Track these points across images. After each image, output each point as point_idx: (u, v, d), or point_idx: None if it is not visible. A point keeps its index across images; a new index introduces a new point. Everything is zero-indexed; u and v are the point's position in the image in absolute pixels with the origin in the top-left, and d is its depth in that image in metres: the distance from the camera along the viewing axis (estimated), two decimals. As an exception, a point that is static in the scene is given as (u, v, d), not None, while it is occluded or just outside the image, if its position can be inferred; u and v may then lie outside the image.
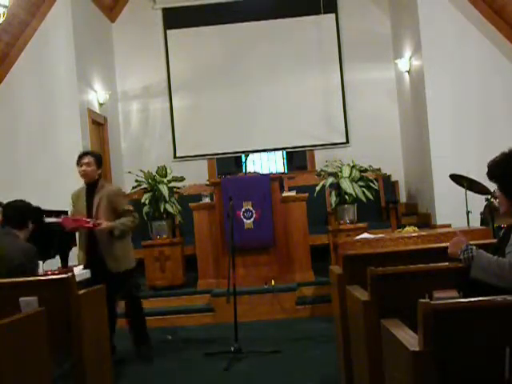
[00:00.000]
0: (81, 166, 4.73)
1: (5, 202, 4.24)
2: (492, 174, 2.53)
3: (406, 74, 8.87)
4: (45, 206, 6.80)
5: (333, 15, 9.68)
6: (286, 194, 6.80)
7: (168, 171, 7.18)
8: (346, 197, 6.74)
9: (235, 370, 4.50)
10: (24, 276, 3.58)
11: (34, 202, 6.75)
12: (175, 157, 9.76)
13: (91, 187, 4.76)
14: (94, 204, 4.71)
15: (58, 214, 5.87)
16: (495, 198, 2.58)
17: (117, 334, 4.78)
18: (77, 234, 5.46)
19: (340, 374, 3.72)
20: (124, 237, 4.75)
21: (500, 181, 2.51)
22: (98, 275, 4.49)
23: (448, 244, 2.61)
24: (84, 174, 4.76)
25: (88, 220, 4.58)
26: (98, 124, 8.87)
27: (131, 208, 4.79)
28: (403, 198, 9.42)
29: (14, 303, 2.91)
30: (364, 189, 6.81)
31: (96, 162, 4.76)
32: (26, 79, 7.99)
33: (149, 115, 9.91)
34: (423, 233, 4.73)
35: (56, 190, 7.39)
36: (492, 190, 2.49)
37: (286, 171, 10.48)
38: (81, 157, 4.78)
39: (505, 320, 1.86)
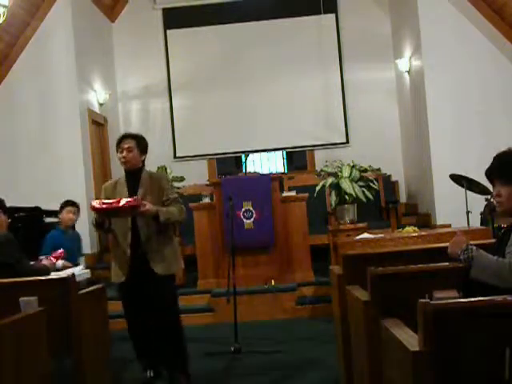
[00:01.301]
0: (121, 151, 4.02)
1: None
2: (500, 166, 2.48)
3: (406, 74, 8.87)
4: (45, 206, 6.82)
5: (333, 15, 9.68)
6: (285, 194, 6.80)
7: (168, 171, 7.19)
8: (346, 197, 6.73)
9: (235, 370, 4.50)
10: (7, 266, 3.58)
11: (34, 202, 6.81)
12: (175, 157, 9.76)
13: (133, 176, 4.03)
14: (138, 195, 3.98)
15: (57, 214, 5.88)
16: (499, 196, 2.55)
17: (116, 335, 4.77)
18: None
19: (340, 373, 3.72)
20: (169, 232, 4.08)
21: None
22: (142, 280, 3.94)
23: (448, 244, 2.60)
24: (125, 162, 4.02)
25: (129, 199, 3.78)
26: (98, 124, 8.87)
27: (178, 197, 4.09)
28: (403, 198, 9.42)
29: (14, 303, 2.90)
30: (364, 189, 6.81)
31: (139, 146, 4.06)
32: (25, 79, 7.99)
33: (149, 115, 9.91)
34: (423, 233, 4.73)
35: (56, 189, 7.39)
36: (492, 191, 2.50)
37: (285, 171, 10.48)
38: (121, 140, 4.08)
39: (505, 320, 1.86)
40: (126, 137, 4.09)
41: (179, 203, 4.03)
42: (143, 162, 4.10)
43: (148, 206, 3.82)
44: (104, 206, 3.76)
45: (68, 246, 5.28)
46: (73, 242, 5.70)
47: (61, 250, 4.84)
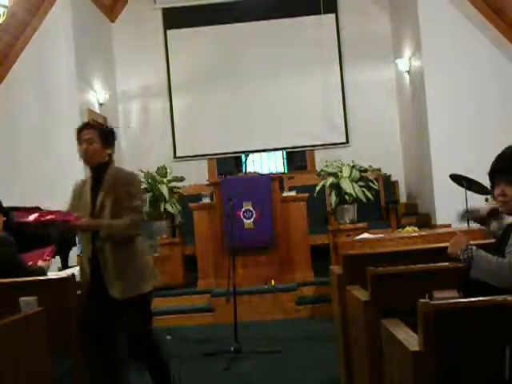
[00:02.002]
0: (80, 143, 3.46)
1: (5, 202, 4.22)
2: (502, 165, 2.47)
3: (406, 73, 8.87)
4: (45, 206, 6.81)
5: (333, 15, 9.67)
6: (286, 194, 6.81)
7: (168, 171, 7.19)
8: (346, 197, 6.74)
9: (235, 369, 4.50)
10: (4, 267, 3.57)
11: (34, 202, 6.80)
12: (175, 157, 9.76)
13: (97, 175, 3.44)
14: (97, 201, 3.38)
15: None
16: (503, 195, 2.53)
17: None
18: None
19: (340, 373, 3.72)
20: (132, 246, 3.38)
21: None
22: (98, 303, 3.38)
23: (448, 244, 2.60)
24: (85, 156, 3.43)
25: (55, 211, 3.34)
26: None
27: (138, 207, 3.37)
28: (403, 198, 9.42)
29: (14, 303, 2.90)
30: (364, 189, 6.81)
31: (101, 138, 3.41)
32: (25, 79, 7.99)
33: (149, 115, 9.91)
34: (423, 233, 4.74)
35: (56, 189, 7.38)
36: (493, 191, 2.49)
37: (285, 171, 10.47)
38: (80, 130, 3.49)
39: (505, 320, 1.86)
40: (86, 126, 3.50)
41: (136, 213, 3.33)
42: (110, 157, 3.44)
43: (83, 220, 3.28)
44: (29, 218, 3.27)
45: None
46: None
47: (50, 248, 4.76)
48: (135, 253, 3.39)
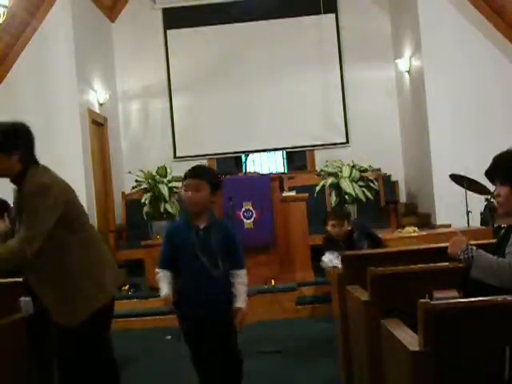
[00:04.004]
0: None
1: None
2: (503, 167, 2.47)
3: (406, 73, 8.87)
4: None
5: (333, 15, 9.67)
6: (285, 194, 6.80)
7: (168, 171, 7.19)
8: (346, 197, 6.75)
9: (235, 370, 4.50)
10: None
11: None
12: (175, 157, 9.76)
13: (17, 188, 2.84)
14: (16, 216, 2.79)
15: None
16: (499, 196, 2.54)
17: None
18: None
19: (340, 373, 3.72)
20: (60, 268, 2.71)
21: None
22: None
23: (448, 244, 2.60)
24: None
25: None
26: (98, 124, 8.87)
27: (33, 222, 2.62)
28: (403, 198, 9.42)
29: (13, 303, 2.90)
30: (364, 189, 6.83)
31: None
32: (25, 79, 7.98)
33: (149, 115, 9.91)
34: (423, 233, 4.74)
35: (56, 189, 7.38)
36: (492, 191, 2.48)
37: (285, 171, 10.46)
38: None
39: (505, 320, 1.86)
40: None
41: (28, 230, 2.61)
42: (23, 163, 2.82)
43: None
44: None
45: None
46: None
47: None
48: (63, 275, 2.73)
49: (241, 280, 3.07)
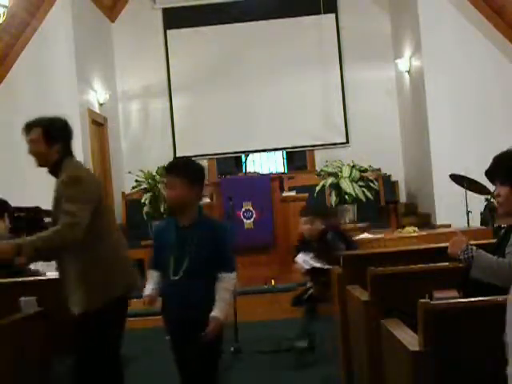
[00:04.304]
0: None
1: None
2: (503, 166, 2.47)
3: (406, 73, 8.87)
4: (45, 206, 6.81)
5: (333, 15, 9.68)
6: (285, 194, 6.81)
7: (168, 171, 7.16)
8: (346, 197, 6.75)
9: (235, 370, 4.50)
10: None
11: (35, 202, 6.80)
12: (175, 157, 9.75)
13: (55, 176, 3.00)
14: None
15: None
16: (498, 196, 2.54)
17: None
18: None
19: (340, 373, 3.72)
20: (91, 253, 2.81)
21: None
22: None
23: (448, 244, 2.61)
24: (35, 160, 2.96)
25: None
26: (98, 124, 8.87)
27: (73, 210, 2.73)
28: (403, 198, 9.42)
29: (13, 303, 2.90)
30: (364, 189, 6.83)
31: (45, 135, 2.91)
32: (25, 79, 7.99)
33: (149, 115, 9.91)
34: (423, 233, 4.74)
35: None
36: (492, 191, 2.48)
37: (285, 171, 10.46)
38: (25, 132, 2.96)
39: (505, 320, 1.86)
40: (29, 126, 2.94)
41: (69, 217, 2.72)
42: (61, 153, 2.97)
43: None
44: None
45: None
46: None
47: None
48: (96, 259, 2.84)
49: (225, 285, 2.79)
